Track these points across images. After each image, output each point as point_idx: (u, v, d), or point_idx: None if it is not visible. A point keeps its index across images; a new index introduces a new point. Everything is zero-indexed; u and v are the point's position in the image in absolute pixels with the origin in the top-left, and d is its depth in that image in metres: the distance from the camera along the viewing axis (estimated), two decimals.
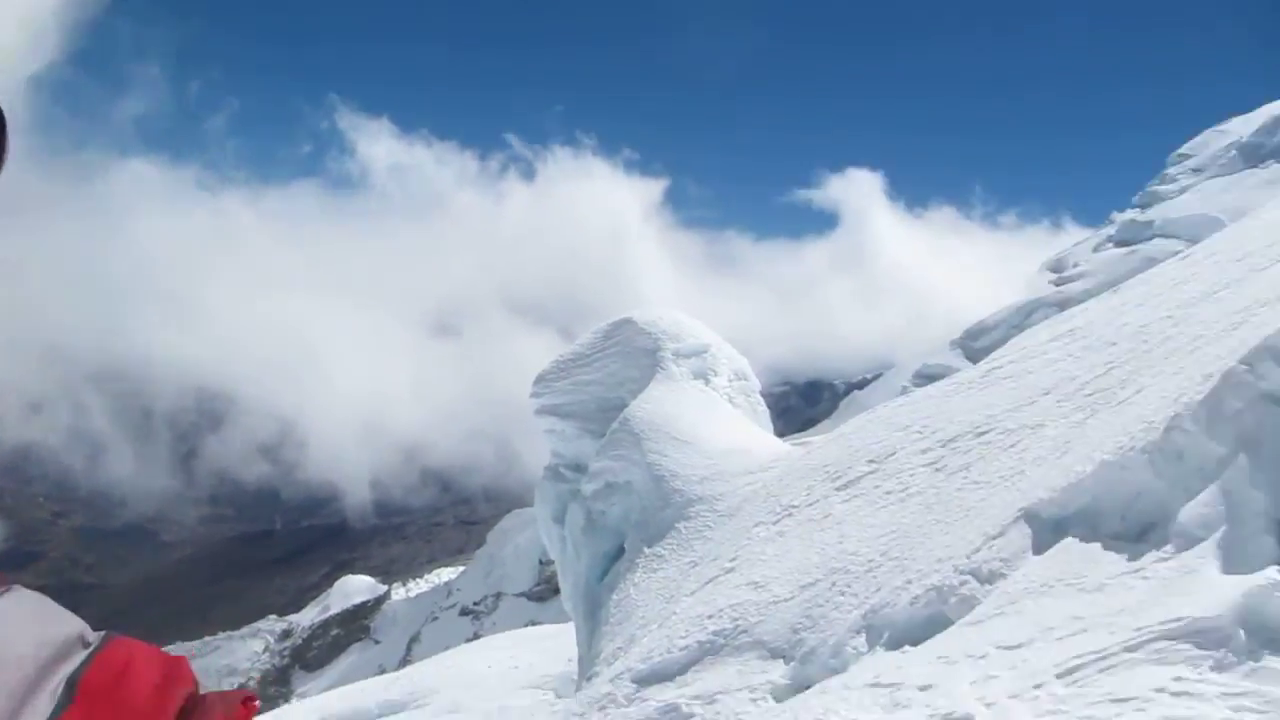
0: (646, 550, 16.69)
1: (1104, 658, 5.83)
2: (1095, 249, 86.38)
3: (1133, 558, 7.48)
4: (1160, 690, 5.24)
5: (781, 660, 10.92)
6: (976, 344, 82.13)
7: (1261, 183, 68.04)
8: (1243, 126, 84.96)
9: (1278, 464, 6.85)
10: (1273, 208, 17.87)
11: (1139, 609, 6.33)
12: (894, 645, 8.99)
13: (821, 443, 18.48)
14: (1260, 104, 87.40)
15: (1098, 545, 8.09)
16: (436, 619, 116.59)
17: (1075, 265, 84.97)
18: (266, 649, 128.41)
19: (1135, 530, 7.97)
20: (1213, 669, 5.32)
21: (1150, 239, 75.95)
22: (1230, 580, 6.11)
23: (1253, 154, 78.60)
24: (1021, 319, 71.26)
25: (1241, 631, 5.44)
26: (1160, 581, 6.78)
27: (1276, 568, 6.03)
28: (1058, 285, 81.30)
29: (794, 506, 14.68)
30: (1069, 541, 8.49)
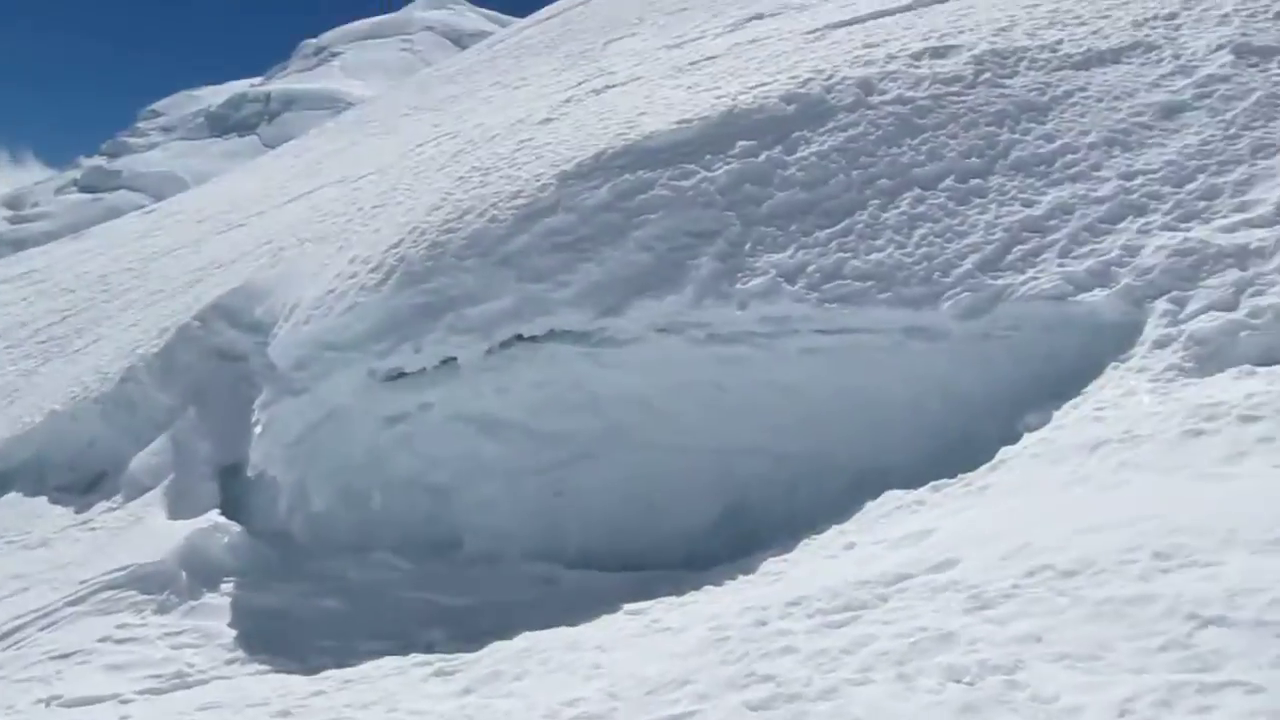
0: None
1: (46, 614, 5.69)
2: (58, 191, 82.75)
3: (81, 509, 7.46)
4: (104, 639, 5.32)
5: None
6: None
7: (224, 152, 72.40)
8: (213, 95, 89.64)
9: (223, 414, 7.42)
10: (233, 178, 19.22)
11: (85, 561, 6.33)
12: None
13: None
14: (230, 79, 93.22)
15: (44, 499, 7.88)
16: None
17: (35, 204, 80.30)
18: None
19: (85, 481, 7.97)
20: (155, 612, 5.57)
21: (117, 189, 75.42)
22: (175, 525, 6.45)
23: (219, 124, 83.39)
24: None
25: (184, 573, 5.79)
26: (108, 532, 6.86)
27: (218, 510, 6.54)
28: (14, 224, 76.00)
29: None
30: (13, 496, 8.13)
